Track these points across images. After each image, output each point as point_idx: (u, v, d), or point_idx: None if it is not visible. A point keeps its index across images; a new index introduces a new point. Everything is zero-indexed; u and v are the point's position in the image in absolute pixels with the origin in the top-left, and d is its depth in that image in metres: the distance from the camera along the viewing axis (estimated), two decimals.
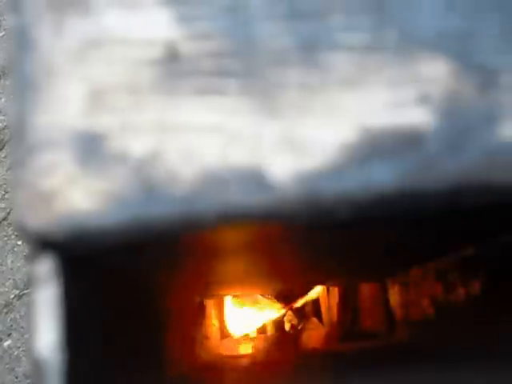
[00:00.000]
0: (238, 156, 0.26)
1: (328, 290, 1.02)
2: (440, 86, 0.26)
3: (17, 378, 1.32)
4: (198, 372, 0.57)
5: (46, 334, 0.25)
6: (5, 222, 1.51)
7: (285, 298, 1.06)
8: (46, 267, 0.26)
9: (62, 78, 0.27)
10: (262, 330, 1.06)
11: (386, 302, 0.81)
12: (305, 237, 0.37)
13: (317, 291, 1.04)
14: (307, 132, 0.26)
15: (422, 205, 0.26)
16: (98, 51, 0.27)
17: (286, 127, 0.26)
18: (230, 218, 0.26)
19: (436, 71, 0.26)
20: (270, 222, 0.25)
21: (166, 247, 0.30)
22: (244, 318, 1.04)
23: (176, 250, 0.33)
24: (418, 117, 0.26)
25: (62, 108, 0.26)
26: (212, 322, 0.93)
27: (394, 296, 0.78)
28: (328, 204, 0.25)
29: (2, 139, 1.65)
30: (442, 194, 0.26)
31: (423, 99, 0.26)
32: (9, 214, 1.52)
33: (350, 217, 0.25)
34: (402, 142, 0.26)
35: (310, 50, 0.27)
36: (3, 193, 1.56)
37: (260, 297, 1.05)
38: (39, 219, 0.25)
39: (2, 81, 1.78)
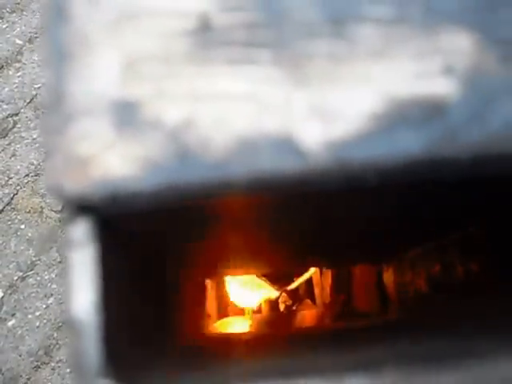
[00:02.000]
0: (270, 123, 0.25)
1: (321, 272, 1.02)
2: (463, 58, 0.26)
3: (20, 355, 1.31)
4: (205, 343, 0.57)
5: (83, 295, 0.25)
6: (8, 207, 1.50)
7: (280, 280, 1.06)
8: (82, 230, 0.25)
9: (97, 49, 0.26)
10: (257, 310, 1.06)
11: (380, 282, 0.81)
12: (315, 209, 0.37)
13: (310, 273, 1.04)
14: (336, 101, 0.25)
15: (445, 172, 0.26)
16: (133, 22, 0.27)
17: (315, 96, 0.25)
18: (262, 184, 0.25)
19: (460, 43, 0.26)
20: (301, 187, 0.25)
21: (195, 212, 0.29)
22: (241, 299, 1.04)
23: (201, 217, 0.32)
24: (442, 87, 0.26)
25: (98, 77, 0.26)
26: (211, 301, 0.92)
27: (389, 277, 0.78)
28: (356, 170, 0.25)
29: (6, 127, 1.64)
30: (465, 162, 0.25)
31: (447, 70, 0.26)
32: (12, 198, 1.51)
33: (377, 182, 0.25)
34: (427, 111, 0.25)
35: (338, 22, 0.26)
36: (6, 179, 1.55)
37: (256, 279, 1.05)
38: (77, 183, 0.25)
39: (5, 71, 1.77)
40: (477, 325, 0.42)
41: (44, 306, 1.37)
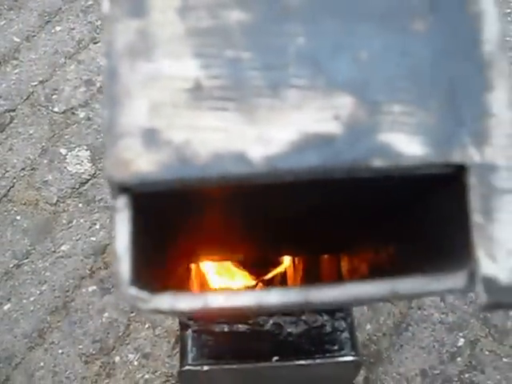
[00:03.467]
0: (233, 145, 0.49)
1: (294, 264, 1.26)
2: (346, 111, 0.49)
3: (15, 337, 1.54)
4: None
5: (122, 239, 0.48)
6: (5, 199, 1.73)
7: (256, 270, 1.29)
8: (123, 202, 0.49)
9: (134, 97, 0.50)
10: None
11: (339, 269, 1.05)
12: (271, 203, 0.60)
13: (285, 265, 1.27)
14: (271, 133, 0.49)
15: (333, 175, 0.49)
16: (155, 82, 0.50)
17: (259, 130, 0.49)
18: (227, 180, 0.49)
19: (345, 102, 0.50)
20: (250, 182, 0.48)
21: (186, 198, 0.53)
22: (219, 285, 1.27)
23: (189, 203, 0.56)
24: (332, 127, 0.49)
25: (134, 114, 0.49)
26: (195, 284, 1.15)
27: (344, 264, 1.02)
28: (281, 172, 0.48)
29: (3, 122, 1.86)
30: (344, 170, 0.49)
31: (336, 118, 0.49)
32: (8, 191, 1.74)
33: (294, 180, 0.48)
34: (323, 141, 0.49)
35: (275, 87, 0.50)
36: (3, 172, 1.77)
37: (235, 269, 1.28)
38: (121, 175, 0.48)
39: (3, 67, 1.99)
40: None
41: (38, 292, 1.59)
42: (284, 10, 0.51)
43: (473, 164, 0.49)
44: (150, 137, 0.49)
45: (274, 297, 0.47)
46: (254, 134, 0.49)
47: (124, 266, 0.48)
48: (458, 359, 1.45)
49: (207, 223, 0.69)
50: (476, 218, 0.48)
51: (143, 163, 0.48)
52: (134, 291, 0.48)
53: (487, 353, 1.45)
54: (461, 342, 1.47)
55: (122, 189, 0.49)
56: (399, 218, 0.68)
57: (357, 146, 0.49)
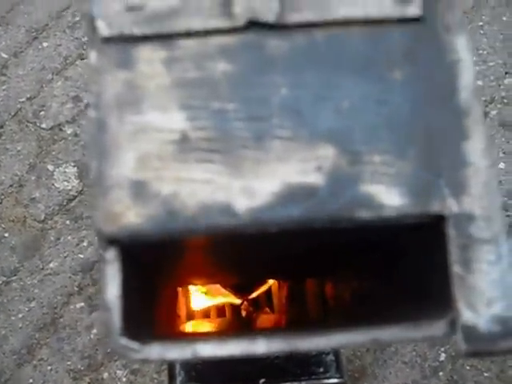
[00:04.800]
0: (219, 197, 0.49)
1: (279, 284, 1.27)
2: (329, 162, 0.50)
3: (4, 354, 1.54)
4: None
5: (112, 289, 0.49)
6: None
7: (242, 290, 1.30)
8: (112, 254, 0.49)
9: (122, 148, 0.50)
10: (221, 315, 1.30)
11: (323, 295, 1.06)
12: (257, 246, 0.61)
13: (269, 285, 1.28)
14: (256, 185, 0.50)
15: (316, 226, 0.50)
16: (143, 134, 0.51)
17: (244, 182, 0.50)
18: (214, 230, 0.49)
19: (327, 153, 0.51)
20: (235, 232, 0.49)
21: (174, 245, 0.53)
22: (206, 305, 1.28)
23: (177, 248, 0.56)
24: (315, 178, 0.50)
25: (122, 166, 0.50)
26: (182, 305, 1.16)
27: (328, 289, 1.03)
28: (264, 223, 0.49)
29: None
30: (327, 221, 0.50)
31: (319, 168, 0.50)
32: None
33: (276, 230, 0.49)
34: (306, 192, 0.50)
35: (259, 139, 0.50)
36: None
37: (221, 289, 1.28)
38: (110, 228, 0.49)
39: None
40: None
41: (26, 309, 1.59)
42: (267, 61, 0.52)
43: (451, 214, 0.50)
44: (139, 189, 0.50)
45: (261, 346, 0.48)
46: (239, 186, 0.50)
47: (115, 316, 0.49)
48: (440, 373, 1.46)
49: (193, 261, 0.70)
50: (455, 268, 0.49)
51: (132, 216, 0.49)
52: (124, 341, 0.49)
53: (468, 368, 1.46)
54: (442, 356, 1.48)
55: (112, 241, 0.49)
56: (381, 255, 0.69)
57: (339, 197, 0.50)
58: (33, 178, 1.79)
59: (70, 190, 1.76)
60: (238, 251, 0.65)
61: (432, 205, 0.50)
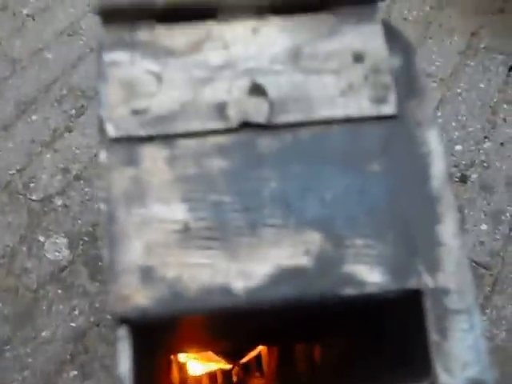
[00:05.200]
0: (218, 279, 0.55)
1: (269, 349, 1.31)
2: (316, 246, 0.57)
3: None
4: None
5: (123, 364, 0.54)
6: None
7: (233, 355, 1.34)
8: (123, 331, 0.55)
9: (130, 238, 0.56)
10: (213, 381, 1.34)
11: (312, 357, 1.11)
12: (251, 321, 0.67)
13: (259, 350, 1.32)
14: (251, 268, 0.56)
15: (305, 302, 0.56)
16: (149, 225, 0.57)
17: (241, 266, 0.56)
18: (214, 309, 0.55)
19: (314, 238, 0.57)
20: (234, 310, 0.55)
21: (174, 321, 0.59)
22: (199, 371, 1.32)
23: (177, 323, 0.62)
24: (304, 261, 0.56)
25: (131, 253, 0.56)
26: (175, 372, 1.20)
27: (317, 353, 1.08)
28: (259, 303, 0.55)
29: None
30: (315, 299, 0.56)
31: (306, 252, 0.56)
32: None
33: (269, 308, 0.55)
34: (296, 273, 0.56)
35: (253, 227, 0.57)
36: None
37: (213, 355, 1.33)
38: (122, 309, 0.54)
39: None
40: None
41: (20, 378, 1.62)
42: (258, 157, 0.59)
43: (427, 289, 0.56)
44: (146, 274, 0.55)
45: None
46: (236, 269, 0.56)
47: None
48: None
49: (189, 333, 0.75)
50: (433, 336, 0.55)
51: (140, 298, 0.55)
52: None
53: None
54: None
55: (123, 320, 0.55)
56: (365, 324, 0.75)
57: (326, 277, 0.56)
58: (24, 248, 1.83)
59: (61, 260, 1.81)
60: (231, 323, 0.70)
61: (409, 281, 0.56)
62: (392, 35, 0.63)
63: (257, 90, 0.59)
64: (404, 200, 0.59)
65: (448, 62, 2.31)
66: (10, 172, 2.02)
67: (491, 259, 1.77)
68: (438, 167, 0.60)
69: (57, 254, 1.82)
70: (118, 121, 0.59)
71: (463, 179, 1.95)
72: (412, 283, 0.56)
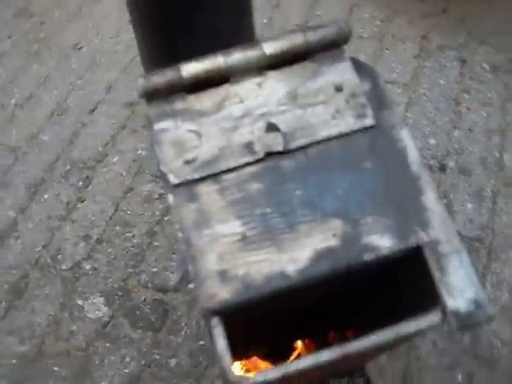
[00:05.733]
0: (275, 268, 0.77)
1: (307, 347, 1.52)
2: (339, 230, 0.79)
3: None
4: None
5: (220, 344, 0.76)
6: (39, 355, 1.96)
7: (276, 358, 1.55)
8: (215, 320, 0.76)
9: (205, 253, 0.78)
10: None
11: None
12: None
13: (298, 350, 1.53)
14: (297, 255, 0.77)
15: (339, 272, 0.78)
16: (216, 240, 0.79)
17: (289, 255, 0.78)
18: (277, 289, 0.77)
19: (336, 224, 0.79)
20: (290, 287, 0.76)
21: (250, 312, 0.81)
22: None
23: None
24: (333, 242, 0.78)
25: (209, 263, 0.78)
26: None
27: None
28: (309, 280, 0.77)
29: (20, 289, 2.10)
30: (346, 266, 0.78)
31: (333, 235, 0.78)
32: (40, 348, 1.97)
33: (316, 282, 0.77)
34: (329, 252, 0.78)
35: (291, 226, 0.79)
36: (31, 332, 2.00)
37: (259, 361, 1.53)
38: (210, 305, 0.76)
39: (6, 241, 2.25)
40: None
41: None
42: (282, 175, 0.81)
43: (424, 243, 0.78)
44: (223, 276, 0.77)
45: (325, 355, 0.75)
46: (286, 258, 0.78)
47: (226, 360, 0.75)
48: None
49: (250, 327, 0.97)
50: (436, 274, 0.77)
51: (222, 294, 0.76)
52: (235, 374, 0.75)
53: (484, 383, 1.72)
54: (459, 378, 1.73)
55: (213, 312, 0.76)
56: (383, 291, 0.96)
57: (350, 250, 0.78)
58: (66, 314, 2.04)
59: (102, 316, 2.01)
60: (283, 310, 0.92)
61: (410, 240, 0.79)
62: (359, 66, 0.86)
63: (271, 127, 0.82)
64: (393, 183, 0.81)
65: (406, 67, 2.56)
66: (37, 249, 2.22)
67: (482, 232, 2.00)
68: (413, 155, 0.83)
69: (97, 312, 2.03)
70: (175, 171, 0.81)
71: (442, 168, 2.18)
72: (412, 241, 0.79)
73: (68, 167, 2.44)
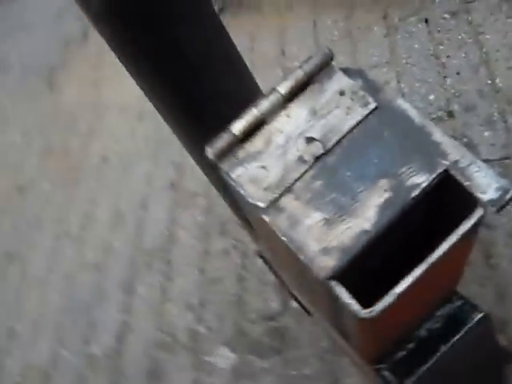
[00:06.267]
0: (355, 229, 1.08)
1: None
2: (386, 185, 1.09)
3: None
4: None
5: (344, 295, 1.06)
6: None
7: None
8: (334, 283, 1.07)
9: (306, 241, 1.09)
10: None
11: None
12: None
13: None
14: (367, 214, 1.08)
15: (401, 211, 1.08)
16: (309, 231, 1.09)
17: (363, 216, 1.08)
18: (363, 245, 1.07)
19: (383, 182, 1.09)
20: (372, 238, 1.07)
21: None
22: None
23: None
24: (387, 195, 1.09)
25: (311, 246, 1.08)
26: None
27: None
28: (383, 225, 1.07)
29: None
30: (403, 206, 1.08)
31: (385, 190, 1.09)
32: None
33: (390, 226, 1.07)
34: (387, 203, 1.08)
35: (354, 197, 1.10)
36: None
37: None
38: (325, 273, 1.06)
39: None
40: None
41: None
42: (332, 168, 1.12)
43: (448, 166, 1.08)
44: (324, 251, 1.07)
45: (418, 270, 1.05)
46: (360, 221, 1.08)
47: (354, 304, 1.05)
48: None
49: None
50: (466, 183, 1.07)
51: (330, 263, 1.07)
52: (365, 309, 1.05)
53: None
54: None
55: (329, 279, 1.06)
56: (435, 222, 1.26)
57: (400, 195, 1.08)
58: (202, 374, 2.35)
59: (232, 361, 2.32)
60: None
61: (438, 168, 1.09)
62: (348, 72, 1.18)
63: (309, 140, 1.13)
64: (408, 137, 1.12)
65: (382, 48, 2.88)
66: (155, 333, 2.54)
67: (506, 150, 2.29)
68: (413, 113, 1.14)
69: (226, 360, 2.34)
70: (261, 198, 1.12)
71: (450, 114, 2.49)
72: (440, 168, 1.09)
73: (146, 258, 2.78)
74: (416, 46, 2.83)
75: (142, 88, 1.57)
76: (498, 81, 2.52)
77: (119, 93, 3.46)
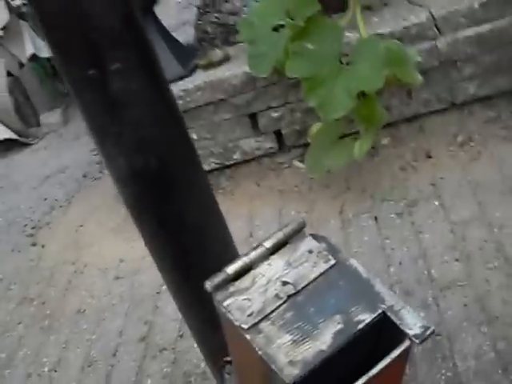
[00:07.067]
0: (313, 350, 1.47)
1: None
2: (340, 320, 1.50)
3: None
4: None
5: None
6: None
7: None
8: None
9: (278, 355, 1.47)
10: None
11: None
12: None
13: None
14: (323, 338, 1.48)
15: (349, 340, 1.48)
16: (281, 348, 1.48)
17: (320, 340, 1.48)
18: (320, 361, 1.46)
19: (337, 317, 1.50)
20: (326, 356, 1.46)
21: None
22: None
23: None
24: (338, 327, 1.49)
25: (282, 358, 1.47)
26: None
27: None
28: (332, 352, 1.47)
29: None
30: (348, 337, 1.48)
31: (338, 323, 1.50)
32: None
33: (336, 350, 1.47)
34: (338, 332, 1.49)
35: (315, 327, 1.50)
36: None
37: None
38: (290, 379, 1.44)
39: None
40: None
41: None
42: (300, 304, 1.53)
43: (385, 308, 1.50)
44: (291, 362, 1.46)
45: None
46: (319, 343, 1.47)
47: None
48: None
49: None
50: (398, 321, 1.48)
51: (294, 371, 1.44)
52: None
53: None
54: None
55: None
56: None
57: (349, 327, 1.49)
58: None
59: None
60: None
61: (378, 310, 1.50)
62: (315, 237, 1.63)
63: (285, 283, 1.55)
64: (358, 287, 1.54)
65: (335, 239, 3.37)
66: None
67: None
68: (361, 269, 1.57)
69: None
70: (244, 321, 1.51)
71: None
72: (379, 310, 1.50)
73: None
74: (366, 238, 3.35)
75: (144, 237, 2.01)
76: (433, 271, 3.01)
77: (99, 255, 3.87)
